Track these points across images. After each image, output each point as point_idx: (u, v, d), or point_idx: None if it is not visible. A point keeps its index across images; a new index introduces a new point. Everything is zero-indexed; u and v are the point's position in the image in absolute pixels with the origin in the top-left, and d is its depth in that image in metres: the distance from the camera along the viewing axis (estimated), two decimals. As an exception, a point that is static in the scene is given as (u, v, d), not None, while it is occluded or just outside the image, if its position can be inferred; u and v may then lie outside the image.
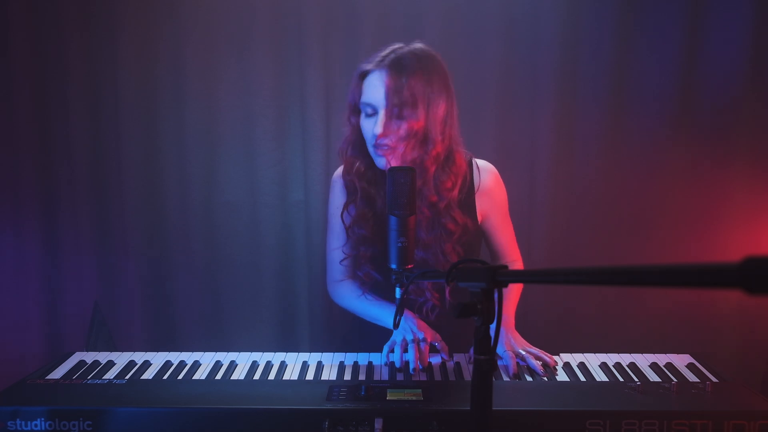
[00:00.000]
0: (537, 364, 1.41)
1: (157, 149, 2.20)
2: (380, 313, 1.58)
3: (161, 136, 2.19)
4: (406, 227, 1.26)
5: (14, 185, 2.15)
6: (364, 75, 1.44)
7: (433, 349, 1.49)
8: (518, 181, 2.21)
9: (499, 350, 1.46)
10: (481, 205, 1.59)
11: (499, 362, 1.45)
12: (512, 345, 1.48)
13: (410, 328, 1.48)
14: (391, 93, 1.38)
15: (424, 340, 1.46)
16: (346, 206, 1.58)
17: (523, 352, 1.46)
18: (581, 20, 2.12)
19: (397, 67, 1.39)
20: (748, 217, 2.17)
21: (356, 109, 1.48)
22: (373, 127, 1.41)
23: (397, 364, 1.42)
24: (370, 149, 1.47)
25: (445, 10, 2.12)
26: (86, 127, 2.16)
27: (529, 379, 1.38)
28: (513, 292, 1.68)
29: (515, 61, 2.15)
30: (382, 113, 1.40)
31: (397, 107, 1.38)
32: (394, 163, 1.43)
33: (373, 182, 1.54)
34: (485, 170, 1.59)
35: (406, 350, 1.45)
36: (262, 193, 2.23)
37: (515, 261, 1.72)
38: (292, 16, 2.12)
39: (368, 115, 1.44)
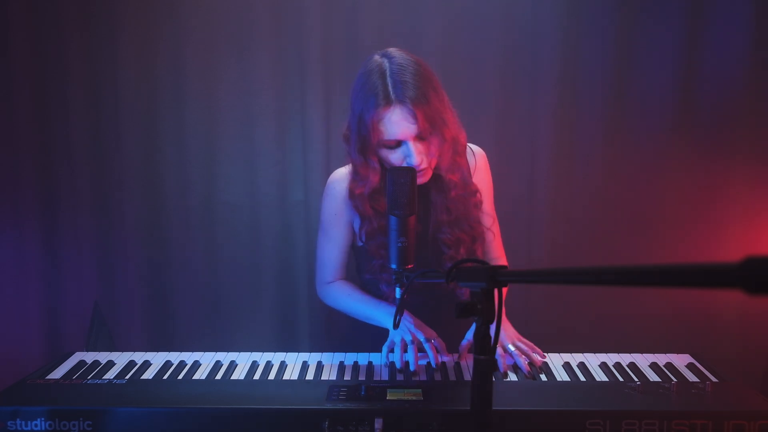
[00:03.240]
0: (524, 363, 1.42)
1: (157, 149, 2.20)
2: (375, 312, 1.57)
3: (161, 136, 2.19)
4: (406, 227, 1.26)
5: (14, 185, 2.15)
6: (377, 118, 1.37)
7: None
8: (518, 181, 2.21)
9: None
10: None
11: None
12: (502, 339, 1.48)
13: (408, 328, 1.48)
14: (423, 122, 1.35)
15: (428, 340, 1.45)
16: (361, 228, 1.56)
17: (512, 348, 1.46)
18: (581, 20, 2.12)
19: (412, 94, 1.35)
20: (749, 217, 2.17)
21: (370, 148, 1.42)
22: (403, 157, 1.39)
23: (398, 365, 1.41)
24: None
25: (446, 9, 2.12)
26: (86, 127, 2.16)
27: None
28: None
29: (515, 61, 2.15)
30: (411, 144, 1.37)
31: (432, 129, 1.38)
32: (425, 179, 1.44)
33: (380, 201, 1.51)
34: (479, 154, 1.65)
35: (406, 351, 1.45)
36: (262, 193, 2.23)
37: (499, 258, 1.72)
38: (292, 16, 2.12)
39: (392, 148, 1.40)
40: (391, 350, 1.47)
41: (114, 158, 2.19)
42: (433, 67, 2.07)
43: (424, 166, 1.40)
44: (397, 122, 1.36)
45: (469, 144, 1.62)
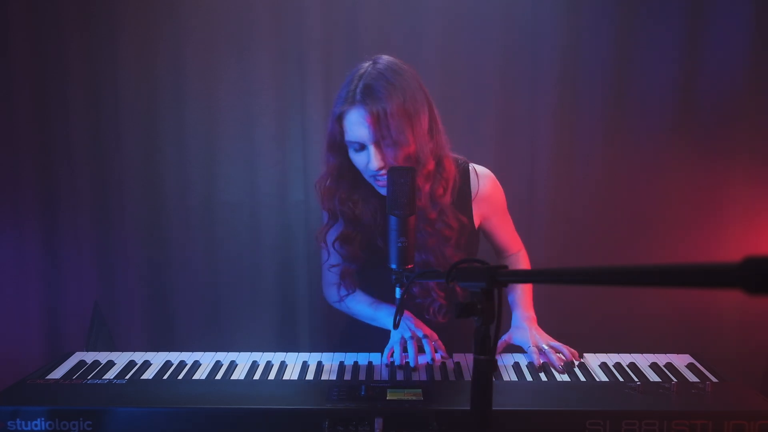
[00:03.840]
0: (557, 360, 1.43)
1: (157, 149, 2.20)
2: (377, 314, 1.59)
3: (161, 136, 2.19)
4: (406, 227, 1.26)
5: (14, 185, 2.15)
6: (341, 116, 1.38)
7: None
8: (518, 182, 2.21)
9: (524, 345, 1.53)
10: (480, 210, 1.60)
11: (524, 356, 1.51)
12: (537, 340, 1.52)
13: (408, 326, 1.49)
14: (374, 128, 1.34)
15: (425, 336, 1.46)
16: (327, 227, 1.57)
17: (546, 347, 1.48)
18: (581, 20, 2.12)
19: (371, 99, 1.34)
20: (749, 217, 2.17)
21: (338, 146, 1.44)
22: (367, 161, 1.39)
23: (398, 362, 1.43)
24: (369, 179, 1.45)
25: (446, 9, 2.12)
26: (86, 127, 2.16)
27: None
28: (527, 289, 1.69)
29: (515, 61, 2.15)
30: (372, 148, 1.37)
31: (386, 138, 1.35)
32: None
33: (357, 203, 1.52)
34: (483, 176, 1.60)
35: (405, 349, 1.45)
36: (262, 193, 2.23)
37: (519, 250, 1.77)
38: (292, 16, 2.12)
39: (357, 150, 1.41)
40: (392, 352, 1.48)
41: (114, 158, 2.19)
42: (433, 67, 2.12)
43: (383, 173, 1.38)
44: (354, 123, 1.37)
45: (474, 165, 1.61)
